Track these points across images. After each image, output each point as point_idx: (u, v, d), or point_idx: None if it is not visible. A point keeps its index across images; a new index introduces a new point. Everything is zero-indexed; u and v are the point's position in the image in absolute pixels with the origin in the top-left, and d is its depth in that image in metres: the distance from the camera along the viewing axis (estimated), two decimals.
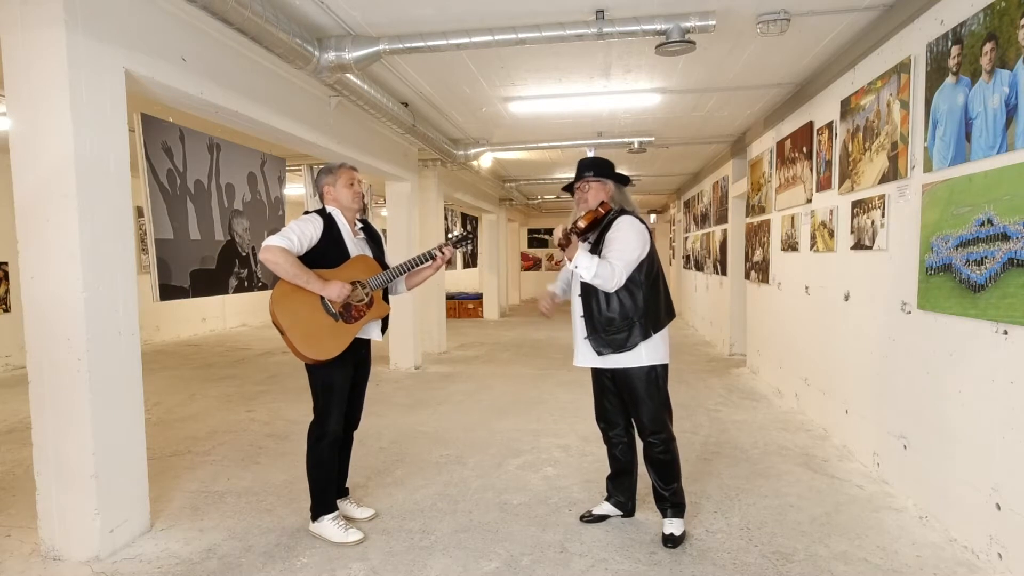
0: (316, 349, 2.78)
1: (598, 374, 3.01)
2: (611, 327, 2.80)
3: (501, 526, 3.06)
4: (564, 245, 2.72)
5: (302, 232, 2.79)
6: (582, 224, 2.77)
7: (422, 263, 3.06)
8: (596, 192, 2.92)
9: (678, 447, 2.92)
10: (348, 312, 2.86)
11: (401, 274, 3.04)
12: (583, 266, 2.70)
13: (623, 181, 3.00)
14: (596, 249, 2.82)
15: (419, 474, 3.78)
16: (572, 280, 2.99)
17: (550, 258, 18.41)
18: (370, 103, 4.58)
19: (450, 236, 3.16)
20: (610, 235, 2.80)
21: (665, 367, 2.89)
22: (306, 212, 2.94)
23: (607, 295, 2.79)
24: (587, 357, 2.91)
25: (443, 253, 3.04)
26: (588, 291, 2.84)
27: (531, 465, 3.91)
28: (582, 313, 2.89)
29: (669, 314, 2.93)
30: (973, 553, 2.71)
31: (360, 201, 3.01)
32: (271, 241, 2.71)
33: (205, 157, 4.10)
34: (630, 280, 2.77)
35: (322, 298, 2.81)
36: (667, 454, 2.87)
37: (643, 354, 2.81)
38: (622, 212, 2.87)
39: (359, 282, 2.91)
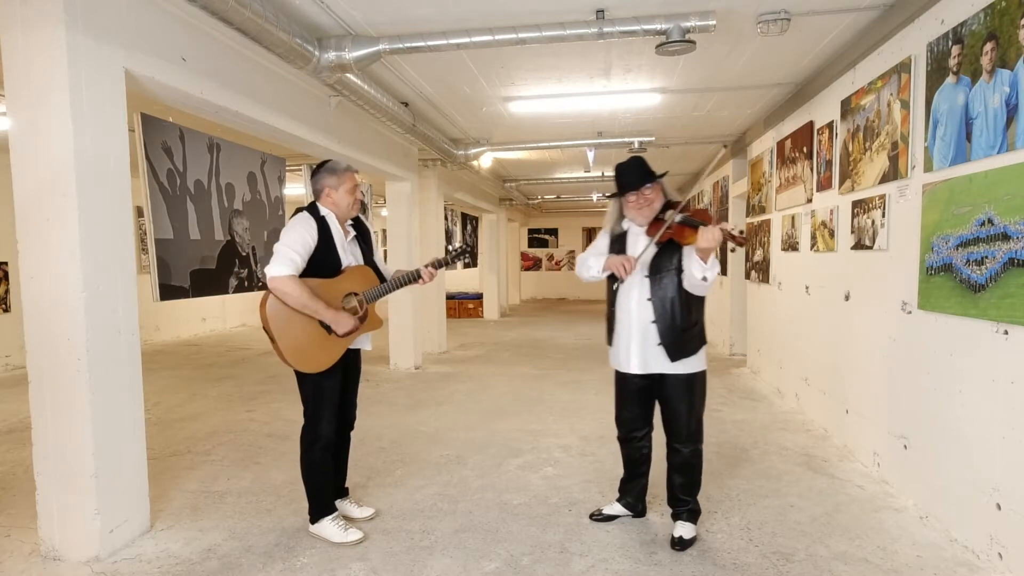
0: (305, 361, 2.75)
1: (631, 378, 2.88)
2: (687, 333, 2.77)
3: (501, 526, 3.06)
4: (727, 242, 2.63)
5: (303, 244, 2.71)
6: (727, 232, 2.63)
7: (412, 281, 2.98)
8: (659, 196, 2.84)
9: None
10: None
11: (396, 288, 2.99)
12: (712, 267, 2.63)
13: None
14: (668, 255, 2.75)
15: (419, 474, 3.78)
16: (633, 281, 2.78)
17: (550, 258, 18.38)
18: (370, 103, 4.58)
19: (450, 248, 3.11)
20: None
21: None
22: (298, 210, 2.86)
23: (688, 301, 2.74)
24: (652, 363, 2.79)
25: (430, 274, 3.00)
26: (666, 296, 2.74)
27: (531, 465, 3.91)
28: (653, 319, 2.77)
29: None
30: (973, 553, 2.71)
31: (358, 208, 2.94)
32: (276, 271, 2.63)
33: (205, 157, 4.10)
34: None
35: None
36: (698, 459, 2.89)
37: (703, 358, 2.85)
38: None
39: (355, 294, 2.87)
